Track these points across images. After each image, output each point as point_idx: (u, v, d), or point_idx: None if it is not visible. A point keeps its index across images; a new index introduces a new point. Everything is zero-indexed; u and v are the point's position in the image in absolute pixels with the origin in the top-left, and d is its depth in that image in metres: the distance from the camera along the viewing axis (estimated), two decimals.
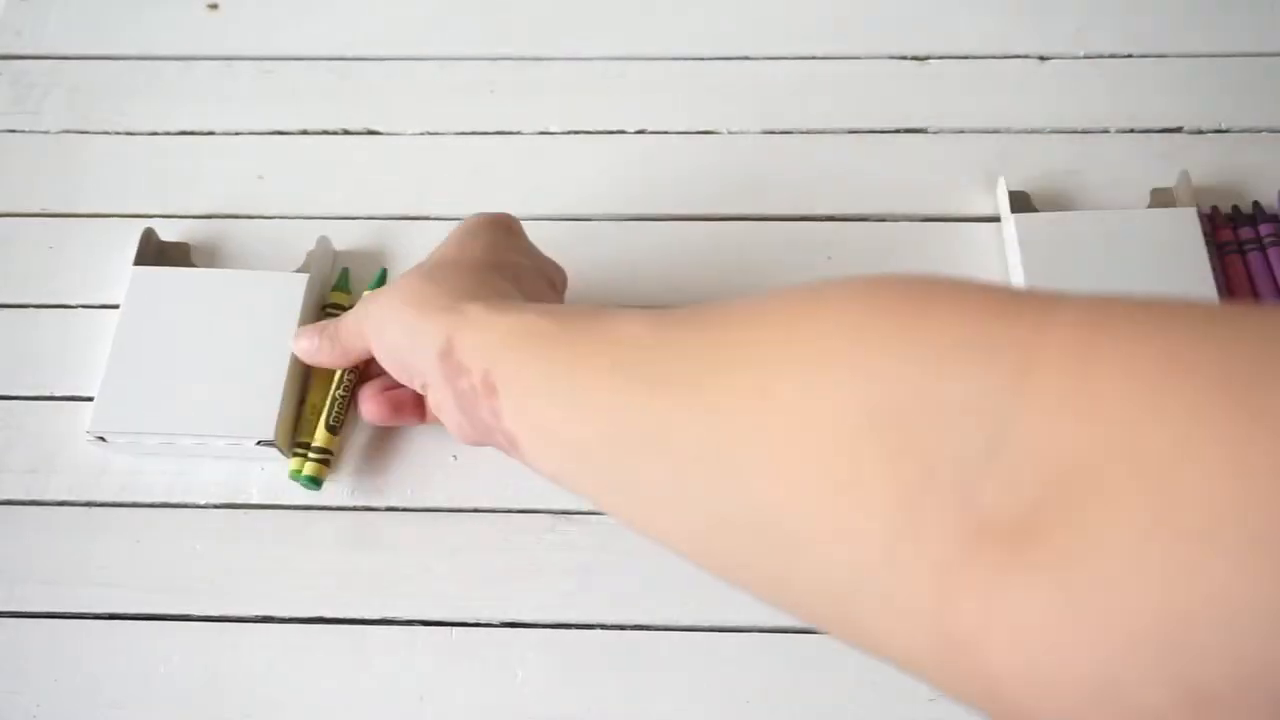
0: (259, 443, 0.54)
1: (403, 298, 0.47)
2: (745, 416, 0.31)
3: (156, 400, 0.55)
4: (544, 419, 0.39)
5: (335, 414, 0.56)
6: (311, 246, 0.60)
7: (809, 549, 0.29)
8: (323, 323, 0.54)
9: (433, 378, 0.45)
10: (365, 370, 0.56)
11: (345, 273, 0.61)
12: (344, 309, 0.59)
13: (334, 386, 0.56)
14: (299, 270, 0.59)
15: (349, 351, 0.52)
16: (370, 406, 0.53)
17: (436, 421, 0.52)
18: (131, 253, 0.60)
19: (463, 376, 0.43)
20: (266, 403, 0.55)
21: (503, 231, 0.52)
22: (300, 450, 0.56)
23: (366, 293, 0.59)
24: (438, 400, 0.45)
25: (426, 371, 0.45)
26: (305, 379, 0.58)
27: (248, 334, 0.57)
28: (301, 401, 0.57)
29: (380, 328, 0.48)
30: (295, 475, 0.55)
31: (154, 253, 0.60)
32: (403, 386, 0.52)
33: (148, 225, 0.61)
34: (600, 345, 0.38)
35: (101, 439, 0.55)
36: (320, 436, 0.55)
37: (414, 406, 0.54)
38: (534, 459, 0.41)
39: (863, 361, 0.29)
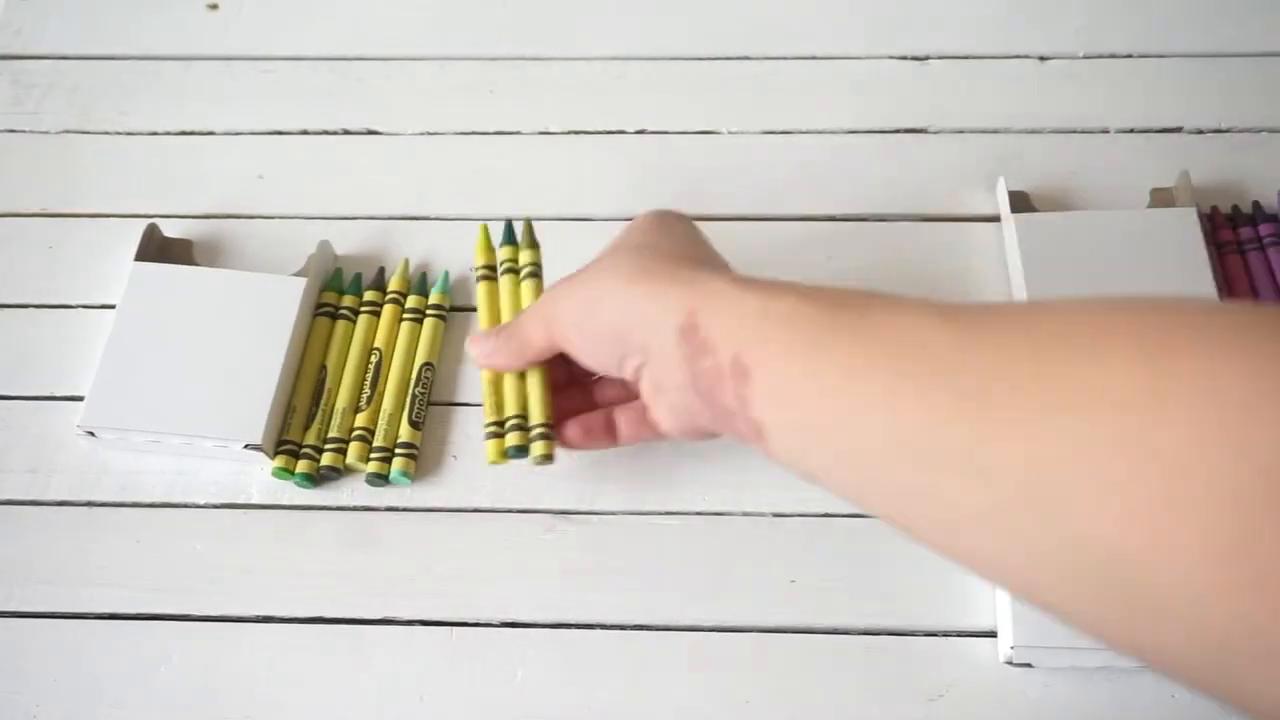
0: (246, 446, 0.54)
1: (619, 274, 0.44)
2: (1102, 456, 0.28)
3: (147, 398, 0.56)
4: (809, 417, 0.37)
5: (417, 410, 0.56)
6: (312, 250, 0.60)
7: (1176, 610, 0.27)
8: (497, 326, 0.52)
9: (664, 354, 0.42)
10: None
11: (339, 273, 0.61)
12: (337, 309, 0.59)
13: (412, 384, 0.57)
14: (298, 274, 0.59)
15: (528, 348, 0.50)
16: (565, 432, 0.51)
17: (637, 441, 0.51)
18: (131, 251, 0.60)
19: (707, 355, 0.40)
20: (256, 406, 0.55)
21: (689, 226, 0.50)
22: (290, 448, 0.55)
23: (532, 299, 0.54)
24: (661, 379, 0.43)
25: (655, 348, 0.43)
26: (295, 384, 0.57)
27: (243, 336, 0.57)
28: (315, 403, 0.57)
29: (589, 308, 0.45)
30: (282, 474, 0.55)
31: (156, 248, 0.61)
32: (592, 410, 0.52)
33: (150, 221, 0.61)
34: (886, 344, 0.35)
35: (91, 434, 0.55)
36: (405, 432, 0.56)
37: (604, 430, 0.51)
38: (784, 454, 0.39)
39: (1265, 414, 0.26)
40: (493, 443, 0.51)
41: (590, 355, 0.47)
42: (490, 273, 0.55)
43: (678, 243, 0.47)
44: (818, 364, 0.37)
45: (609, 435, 0.51)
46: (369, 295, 0.60)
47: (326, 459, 0.55)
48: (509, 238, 0.56)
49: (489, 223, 0.57)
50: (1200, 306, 0.30)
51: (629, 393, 0.51)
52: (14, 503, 0.56)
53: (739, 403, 0.39)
